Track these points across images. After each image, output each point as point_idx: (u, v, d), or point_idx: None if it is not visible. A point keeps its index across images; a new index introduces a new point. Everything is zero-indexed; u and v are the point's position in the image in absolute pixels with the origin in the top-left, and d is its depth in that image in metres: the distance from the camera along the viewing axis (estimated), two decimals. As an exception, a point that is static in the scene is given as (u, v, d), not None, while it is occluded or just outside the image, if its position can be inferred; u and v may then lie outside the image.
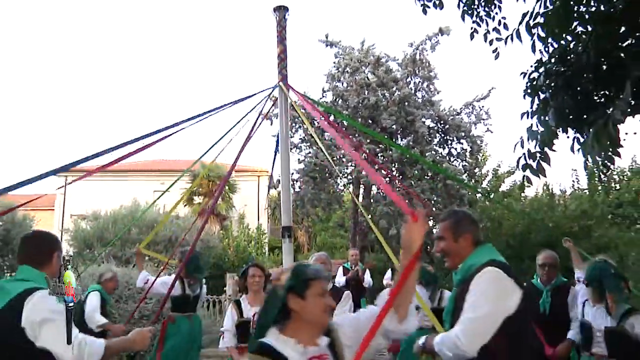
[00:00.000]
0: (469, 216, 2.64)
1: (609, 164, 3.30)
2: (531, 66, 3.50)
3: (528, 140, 2.77)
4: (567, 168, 22.28)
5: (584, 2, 3.23)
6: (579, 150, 3.27)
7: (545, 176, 2.77)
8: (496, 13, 3.89)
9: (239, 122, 4.57)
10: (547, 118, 2.93)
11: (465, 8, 3.96)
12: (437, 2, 4.02)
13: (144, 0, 60.67)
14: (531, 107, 3.22)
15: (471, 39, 4.02)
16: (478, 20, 3.96)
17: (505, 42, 3.31)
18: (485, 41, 3.73)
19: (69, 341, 2.18)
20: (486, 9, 3.84)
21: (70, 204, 22.41)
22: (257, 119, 4.48)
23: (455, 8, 4.09)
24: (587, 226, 10.61)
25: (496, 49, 3.79)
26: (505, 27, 3.75)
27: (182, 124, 3.81)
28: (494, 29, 3.85)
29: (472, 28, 4.01)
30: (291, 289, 1.85)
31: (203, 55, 62.97)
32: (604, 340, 3.58)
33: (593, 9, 3.18)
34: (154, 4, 61.90)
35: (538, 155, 2.72)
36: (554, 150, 2.69)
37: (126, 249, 12.61)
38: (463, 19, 3.81)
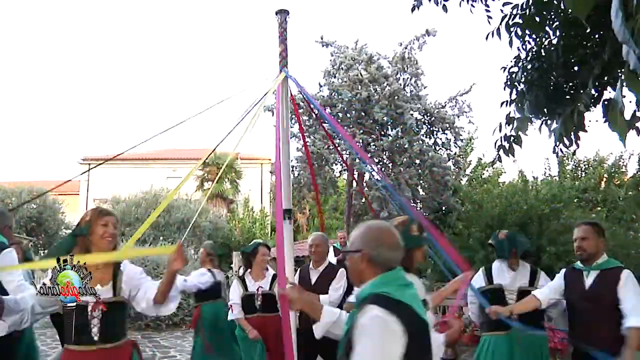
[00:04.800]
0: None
1: (574, 147, 3.46)
2: (511, 61, 3.62)
3: (505, 125, 2.92)
4: (540, 157, 22.53)
5: (554, 6, 3.34)
6: (550, 135, 3.41)
7: (514, 156, 2.93)
8: None
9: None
10: (523, 107, 3.08)
11: None
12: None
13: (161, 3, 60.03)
14: (510, 97, 3.35)
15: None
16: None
17: (487, 38, 3.42)
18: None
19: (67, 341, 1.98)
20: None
21: (93, 190, 22.46)
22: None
23: (440, 11, 4.12)
24: (556, 208, 10.80)
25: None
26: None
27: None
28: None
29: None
30: None
31: (216, 51, 62.56)
32: None
33: (562, 14, 3.30)
34: (168, 7, 61.25)
35: (512, 138, 2.87)
36: (526, 135, 2.85)
37: (146, 231, 12.80)
38: None
